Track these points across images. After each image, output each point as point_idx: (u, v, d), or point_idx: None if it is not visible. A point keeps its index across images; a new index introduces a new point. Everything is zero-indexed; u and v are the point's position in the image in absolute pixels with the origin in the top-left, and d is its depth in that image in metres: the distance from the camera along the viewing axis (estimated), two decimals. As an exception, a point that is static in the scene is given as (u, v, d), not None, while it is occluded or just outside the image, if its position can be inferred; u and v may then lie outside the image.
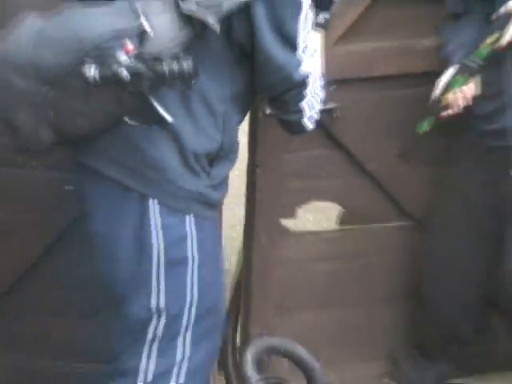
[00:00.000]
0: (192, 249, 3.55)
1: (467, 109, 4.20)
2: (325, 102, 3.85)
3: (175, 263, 3.56)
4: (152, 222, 3.48)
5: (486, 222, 4.52)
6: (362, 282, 4.85)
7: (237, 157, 3.65)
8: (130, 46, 3.08)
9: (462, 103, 4.18)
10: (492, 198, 4.44)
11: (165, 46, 3.19)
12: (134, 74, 3.09)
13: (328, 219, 5.19)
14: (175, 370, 3.73)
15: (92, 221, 3.62)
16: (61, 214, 4.30)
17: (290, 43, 3.29)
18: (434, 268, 4.73)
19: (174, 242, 3.51)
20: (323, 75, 3.53)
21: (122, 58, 3.08)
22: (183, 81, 3.18)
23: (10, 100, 3.31)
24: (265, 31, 3.24)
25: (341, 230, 4.73)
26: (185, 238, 3.52)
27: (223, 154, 3.51)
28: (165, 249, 3.49)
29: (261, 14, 3.20)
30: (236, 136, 3.54)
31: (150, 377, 3.67)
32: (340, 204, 4.68)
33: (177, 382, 3.74)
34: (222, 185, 3.59)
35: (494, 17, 4.08)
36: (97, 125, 3.33)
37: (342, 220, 4.71)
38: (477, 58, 4.13)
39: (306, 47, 3.35)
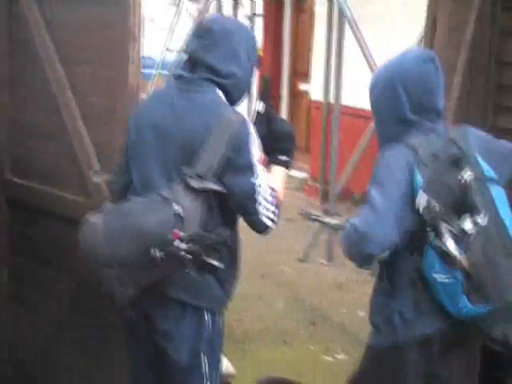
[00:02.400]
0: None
1: None
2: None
3: (214, 342, 4.56)
4: (205, 324, 4.45)
5: None
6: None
7: None
8: (178, 232, 4.03)
9: None
10: None
11: (196, 219, 4.15)
12: (191, 252, 4.07)
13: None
14: None
15: (158, 322, 4.44)
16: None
17: (252, 175, 4.22)
18: None
19: (217, 332, 4.56)
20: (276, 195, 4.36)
21: (182, 246, 4.05)
22: (224, 246, 4.25)
23: (109, 279, 4.23)
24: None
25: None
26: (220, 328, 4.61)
27: None
28: (211, 336, 4.50)
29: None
30: None
31: None
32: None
33: None
34: None
35: None
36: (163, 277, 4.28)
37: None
38: None
39: (258, 175, 4.26)
